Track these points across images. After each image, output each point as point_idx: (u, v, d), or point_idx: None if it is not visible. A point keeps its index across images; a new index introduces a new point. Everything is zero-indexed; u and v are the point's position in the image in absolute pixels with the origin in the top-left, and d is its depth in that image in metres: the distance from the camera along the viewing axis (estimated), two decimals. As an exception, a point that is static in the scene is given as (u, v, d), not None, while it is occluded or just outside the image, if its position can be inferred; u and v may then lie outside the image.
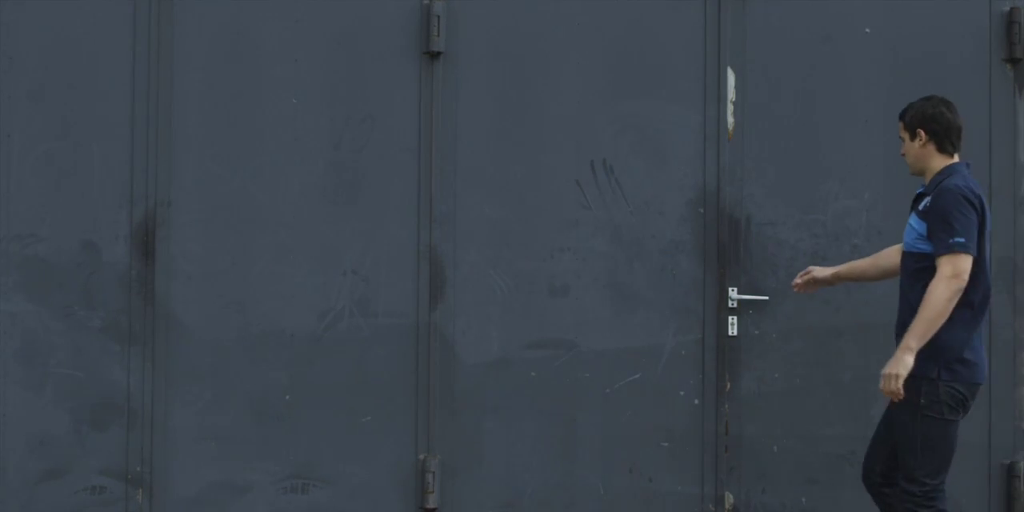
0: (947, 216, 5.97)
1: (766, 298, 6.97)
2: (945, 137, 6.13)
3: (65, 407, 6.78)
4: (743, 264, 7.00)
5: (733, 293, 6.97)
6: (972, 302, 6.03)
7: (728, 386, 6.98)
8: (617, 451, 6.95)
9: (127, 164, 6.84)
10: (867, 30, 7.03)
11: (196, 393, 6.83)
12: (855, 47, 7.04)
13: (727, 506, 6.97)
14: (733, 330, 6.97)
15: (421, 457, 6.89)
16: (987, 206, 6.06)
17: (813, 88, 7.01)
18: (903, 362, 5.92)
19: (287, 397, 6.86)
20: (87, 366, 6.79)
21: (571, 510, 6.94)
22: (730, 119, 7.00)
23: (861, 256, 6.92)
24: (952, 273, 5.93)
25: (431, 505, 6.86)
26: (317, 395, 6.86)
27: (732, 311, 6.96)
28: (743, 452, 6.97)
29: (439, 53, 6.92)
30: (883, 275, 6.54)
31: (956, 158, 6.16)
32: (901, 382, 5.92)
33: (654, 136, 7.01)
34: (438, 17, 6.91)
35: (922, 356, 5.99)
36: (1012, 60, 7.06)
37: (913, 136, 6.17)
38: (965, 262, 5.95)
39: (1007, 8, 7.08)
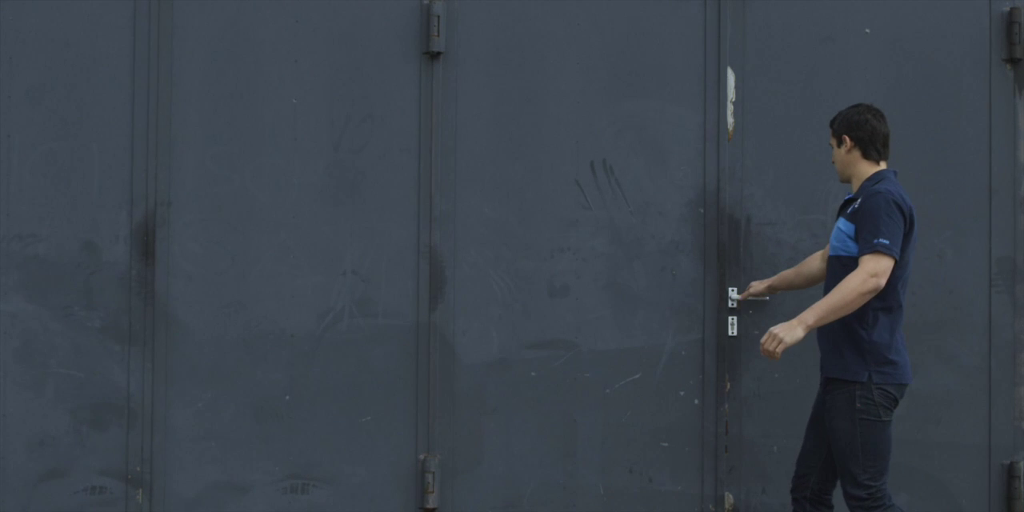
0: (875, 218, 6.07)
1: (766, 298, 6.97)
2: (870, 143, 6.25)
3: (65, 407, 6.77)
4: (743, 264, 6.99)
5: (733, 293, 6.96)
6: (890, 306, 6.14)
7: (728, 386, 6.97)
8: (617, 451, 6.94)
9: (127, 164, 6.84)
10: (867, 31, 7.03)
11: (196, 393, 6.82)
12: (855, 47, 7.03)
13: (727, 506, 6.97)
14: (733, 330, 6.97)
15: (421, 457, 6.89)
16: (916, 218, 6.14)
17: (813, 88, 7.00)
18: (794, 332, 6.03)
19: (287, 397, 6.85)
20: (87, 366, 6.78)
21: (571, 510, 6.94)
22: (730, 119, 7.00)
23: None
24: (872, 271, 6.04)
25: (431, 505, 6.86)
26: (317, 395, 6.86)
27: (732, 311, 6.96)
28: (743, 452, 6.97)
29: (439, 53, 6.92)
30: (808, 282, 6.74)
31: (883, 165, 6.27)
32: (782, 348, 6.02)
33: (654, 136, 7.01)
34: (438, 17, 6.91)
35: (851, 361, 6.11)
36: (1012, 60, 7.06)
37: (840, 143, 6.32)
38: (887, 263, 6.05)
39: (1007, 8, 7.08)
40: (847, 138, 6.27)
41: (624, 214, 7.00)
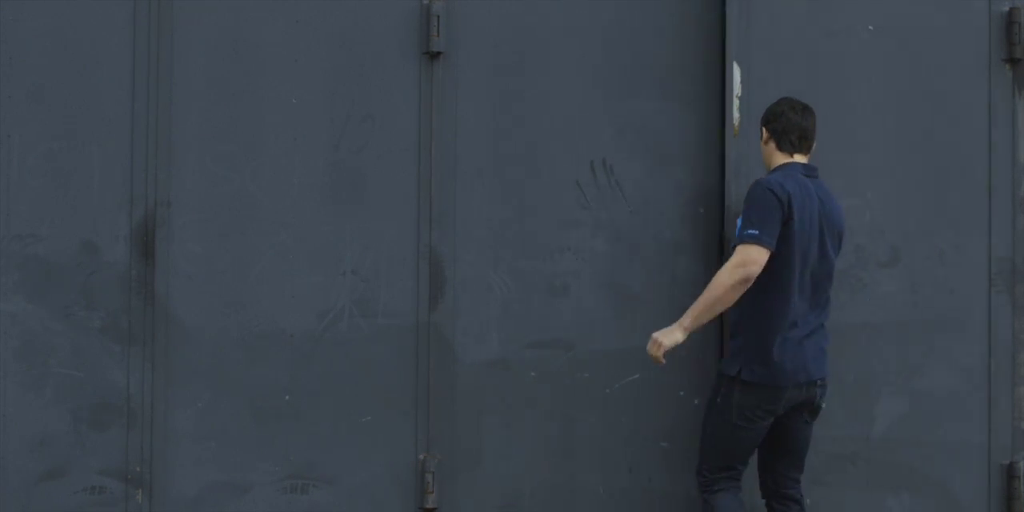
0: (748, 208, 6.15)
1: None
2: (783, 135, 6.32)
3: (65, 407, 6.77)
4: (743, 264, 6.98)
5: (733, 293, 6.95)
6: (773, 303, 6.13)
7: (728, 386, 6.96)
8: (617, 451, 6.95)
9: (127, 164, 6.84)
10: (870, 27, 7.02)
11: (196, 393, 6.83)
12: (859, 44, 7.01)
13: (727, 506, 6.97)
14: (733, 330, 6.96)
15: (421, 457, 6.89)
16: (802, 205, 6.14)
17: (818, 84, 6.96)
18: (672, 336, 6.14)
19: (287, 397, 6.85)
20: (87, 366, 6.78)
21: (571, 510, 6.94)
22: (736, 114, 6.94)
23: (865, 255, 6.93)
24: (739, 262, 6.07)
25: (431, 505, 6.86)
26: (317, 395, 6.86)
27: (732, 311, 6.96)
28: (743, 452, 6.97)
29: (439, 53, 6.92)
30: None
31: (796, 158, 6.34)
32: (662, 351, 6.12)
33: (654, 136, 7.01)
34: (438, 17, 6.91)
35: (731, 354, 6.21)
36: (1012, 60, 7.06)
37: (761, 134, 6.42)
38: (754, 252, 6.06)
39: (1007, 8, 7.07)
40: (764, 130, 6.38)
41: (624, 214, 6.99)
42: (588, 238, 6.98)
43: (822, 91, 6.97)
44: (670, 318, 6.94)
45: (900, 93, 6.99)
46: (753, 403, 6.12)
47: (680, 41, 7.01)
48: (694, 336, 6.96)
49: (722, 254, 6.96)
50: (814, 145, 6.43)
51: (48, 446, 6.78)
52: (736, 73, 6.97)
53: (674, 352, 6.97)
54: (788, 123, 6.32)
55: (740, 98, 6.97)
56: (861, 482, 6.97)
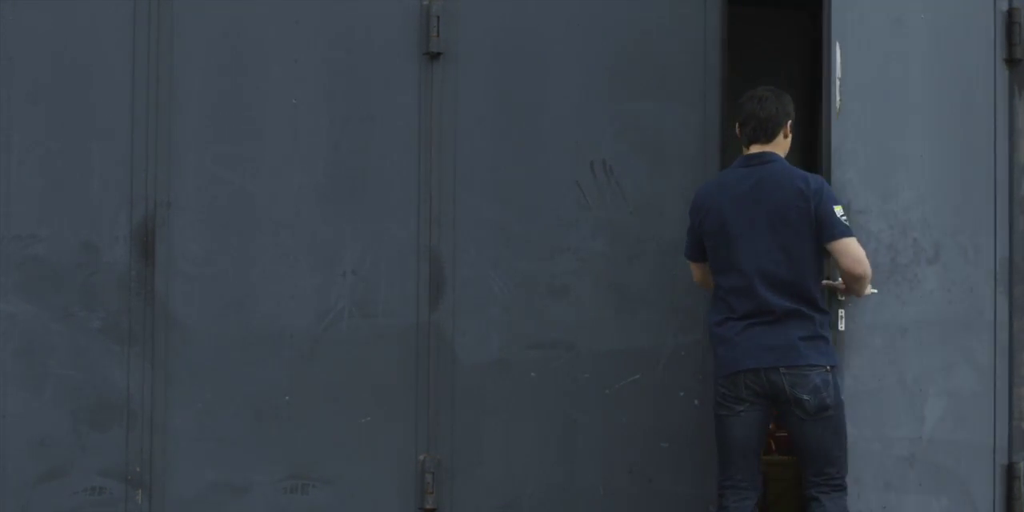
0: None
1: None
2: (742, 126, 6.31)
3: (65, 408, 6.77)
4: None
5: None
6: (713, 301, 6.35)
7: (728, 386, 6.96)
8: (617, 451, 6.94)
9: (127, 164, 6.84)
10: (922, 15, 6.86)
11: (196, 393, 6.82)
12: (916, 32, 6.77)
13: (727, 506, 6.96)
14: (733, 330, 6.94)
15: (421, 457, 6.89)
16: (714, 201, 6.25)
17: (888, 70, 6.68)
18: None
19: (287, 397, 6.85)
20: (87, 366, 6.78)
21: (571, 510, 6.94)
22: (837, 97, 6.69)
23: (919, 251, 6.83)
24: None
25: (430, 505, 6.86)
26: (317, 395, 6.86)
27: (732, 311, 6.94)
28: (743, 452, 6.96)
29: (439, 53, 6.92)
30: None
31: (752, 149, 6.29)
32: None
33: (654, 136, 7.01)
34: (437, 17, 6.91)
35: None
36: (1012, 60, 7.05)
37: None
38: (690, 266, 6.53)
39: (1007, 8, 7.06)
40: (736, 124, 6.33)
41: (624, 214, 6.99)
42: (588, 238, 6.98)
43: (892, 77, 6.71)
44: (670, 318, 6.97)
45: (937, 85, 6.87)
46: (721, 392, 6.21)
47: (680, 41, 7.01)
48: (694, 338, 6.97)
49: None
50: (781, 129, 6.28)
51: (48, 446, 6.78)
52: (837, 53, 6.71)
53: (674, 353, 6.99)
54: (745, 114, 6.29)
55: (841, 80, 6.66)
56: (915, 485, 6.88)
